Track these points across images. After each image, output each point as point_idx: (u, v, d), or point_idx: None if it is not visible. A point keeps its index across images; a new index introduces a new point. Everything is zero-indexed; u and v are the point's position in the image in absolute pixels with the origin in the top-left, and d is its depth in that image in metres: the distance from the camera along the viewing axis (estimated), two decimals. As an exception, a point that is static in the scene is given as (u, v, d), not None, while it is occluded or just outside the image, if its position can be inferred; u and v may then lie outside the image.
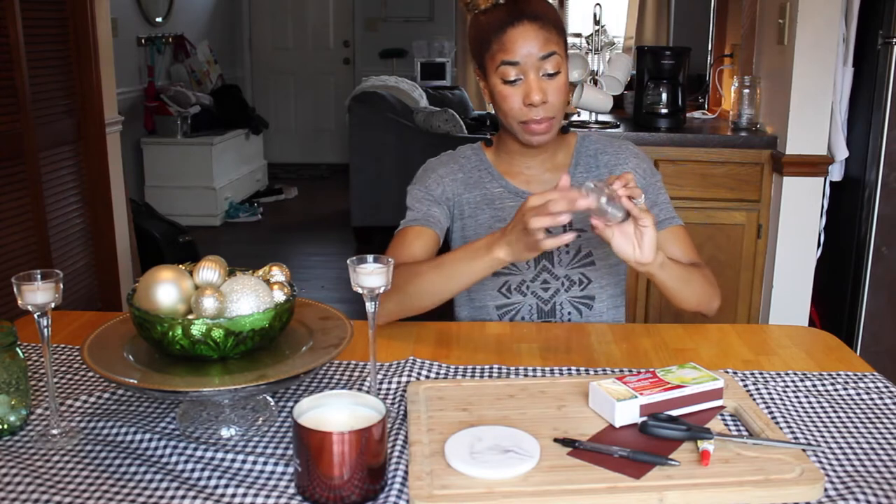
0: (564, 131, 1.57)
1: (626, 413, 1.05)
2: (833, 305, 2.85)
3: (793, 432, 1.06)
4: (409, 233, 1.49)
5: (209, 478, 0.95)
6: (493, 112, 1.76)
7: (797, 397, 1.17)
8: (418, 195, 1.55)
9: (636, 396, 1.05)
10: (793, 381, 1.22)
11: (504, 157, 1.57)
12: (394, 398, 1.16)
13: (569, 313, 1.53)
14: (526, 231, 1.18)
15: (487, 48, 1.43)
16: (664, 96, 3.14)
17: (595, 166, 1.56)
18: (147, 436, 1.03)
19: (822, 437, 1.06)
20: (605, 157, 1.57)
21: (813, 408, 1.14)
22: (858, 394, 1.18)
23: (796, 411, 1.13)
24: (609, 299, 1.55)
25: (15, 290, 1.01)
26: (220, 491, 0.92)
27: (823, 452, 1.02)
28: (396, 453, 0.99)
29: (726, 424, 1.08)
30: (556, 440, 1.00)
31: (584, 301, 1.53)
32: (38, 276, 1.02)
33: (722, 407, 1.10)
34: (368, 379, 1.21)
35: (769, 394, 1.17)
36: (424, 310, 1.40)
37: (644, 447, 0.98)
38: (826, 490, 0.93)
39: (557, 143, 1.55)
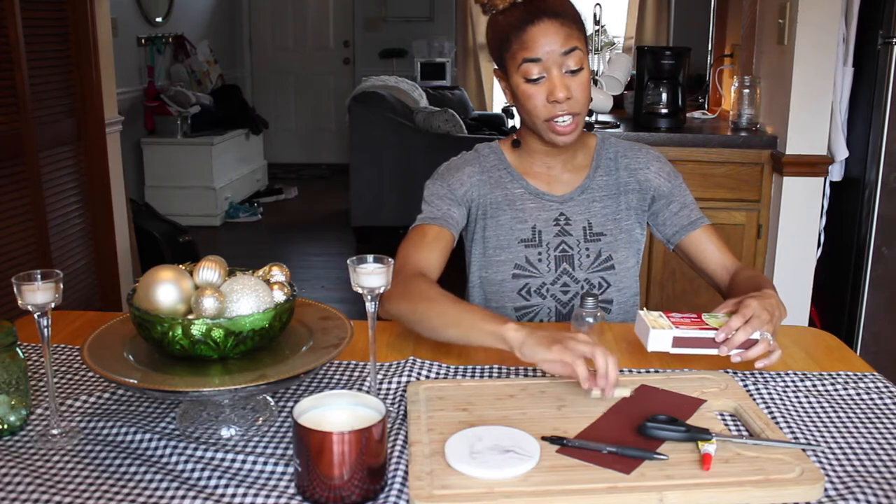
0: (588, 128, 1.56)
1: (659, 341, 1.19)
2: (833, 305, 2.85)
3: (793, 432, 1.06)
4: (429, 232, 1.47)
5: (209, 478, 0.95)
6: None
7: (797, 397, 1.17)
8: (440, 192, 1.52)
9: (672, 328, 1.18)
10: (793, 381, 1.22)
11: (525, 158, 1.56)
12: (394, 398, 1.16)
13: None
14: (568, 339, 1.11)
15: (508, 47, 1.42)
16: (664, 96, 3.14)
17: (615, 169, 1.56)
18: (147, 436, 1.03)
19: (822, 437, 1.06)
20: (625, 161, 1.56)
21: (813, 408, 1.14)
22: (858, 394, 1.18)
23: (796, 411, 1.13)
24: (626, 301, 1.55)
25: (15, 290, 1.01)
26: (220, 491, 0.92)
27: (823, 452, 1.02)
28: (396, 453, 0.99)
29: (726, 424, 1.08)
30: (544, 438, 1.00)
31: (603, 304, 1.52)
32: (38, 276, 1.02)
33: (703, 400, 1.11)
34: (368, 379, 1.21)
35: (769, 394, 1.17)
36: (422, 335, 1.33)
37: (631, 443, 0.98)
38: (826, 490, 0.93)
39: (578, 144, 1.54)
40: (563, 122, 1.42)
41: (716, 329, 1.19)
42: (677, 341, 1.19)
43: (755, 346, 1.18)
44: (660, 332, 1.19)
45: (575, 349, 1.09)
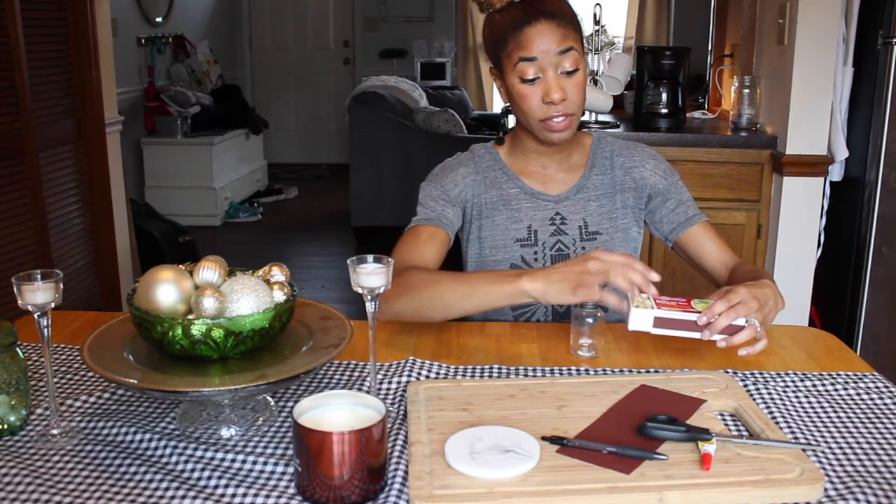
0: (579, 127, 1.57)
1: (640, 320, 1.18)
2: (833, 305, 2.85)
3: (793, 432, 1.06)
4: (423, 232, 1.48)
5: (209, 478, 0.95)
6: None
7: (797, 397, 1.17)
8: (434, 193, 1.53)
9: (654, 308, 1.17)
10: (793, 381, 1.22)
11: (520, 157, 1.56)
12: (394, 398, 1.16)
13: None
14: (583, 273, 1.20)
15: (504, 47, 1.42)
16: (664, 96, 3.14)
17: (610, 168, 1.56)
18: (147, 436, 1.03)
19: (822, 437, 1.06)
20: (621, 160, 1.57)
21: (813, 408, 1.14)
22: (858, 394, 1.18)
23: (796, 411, 1.13)
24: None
25: (15, 290, 1.01)
26: (220, 491, 0.92)
27: (823, 452, 1.02)
28: (396, 453, 0.99)
29: (726, 424, 1.08)
30: (544, 438, 1.00)
31: (602, 304, 1.52)
32: (38, 276, 1.02)
33: (703, 400, 1.11)
34: (368, 379, 1.21)
35: (769, 394, 1.17)
36: (431, 321, 1.38)
37: (631, 443, 0.98)
38: (826, 490, 0.93)
39: (573, 143, 1.54)
40: (558, 120, 1.43)
41: (699, 313, 1.19)
42: (659, 322, 1.18)
43: (740, 333, 1.19)
44: (641, 312, 1.18)
45: (594, 284, 1.19)
